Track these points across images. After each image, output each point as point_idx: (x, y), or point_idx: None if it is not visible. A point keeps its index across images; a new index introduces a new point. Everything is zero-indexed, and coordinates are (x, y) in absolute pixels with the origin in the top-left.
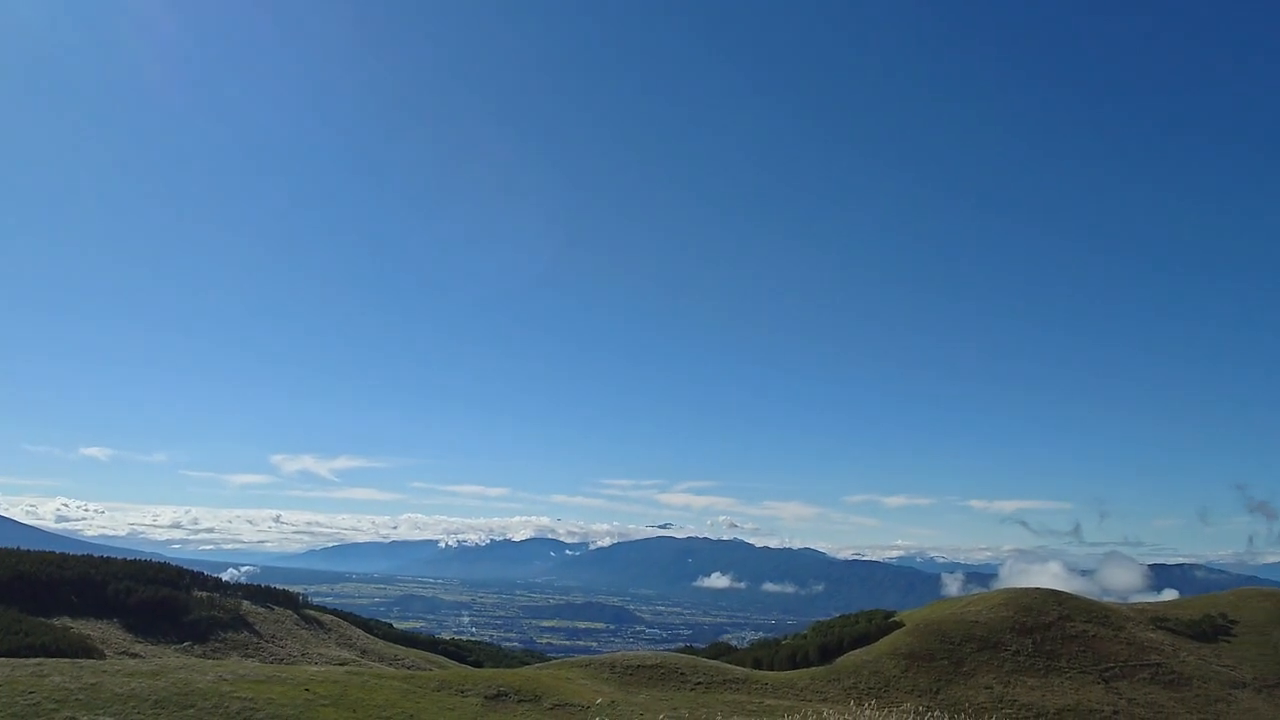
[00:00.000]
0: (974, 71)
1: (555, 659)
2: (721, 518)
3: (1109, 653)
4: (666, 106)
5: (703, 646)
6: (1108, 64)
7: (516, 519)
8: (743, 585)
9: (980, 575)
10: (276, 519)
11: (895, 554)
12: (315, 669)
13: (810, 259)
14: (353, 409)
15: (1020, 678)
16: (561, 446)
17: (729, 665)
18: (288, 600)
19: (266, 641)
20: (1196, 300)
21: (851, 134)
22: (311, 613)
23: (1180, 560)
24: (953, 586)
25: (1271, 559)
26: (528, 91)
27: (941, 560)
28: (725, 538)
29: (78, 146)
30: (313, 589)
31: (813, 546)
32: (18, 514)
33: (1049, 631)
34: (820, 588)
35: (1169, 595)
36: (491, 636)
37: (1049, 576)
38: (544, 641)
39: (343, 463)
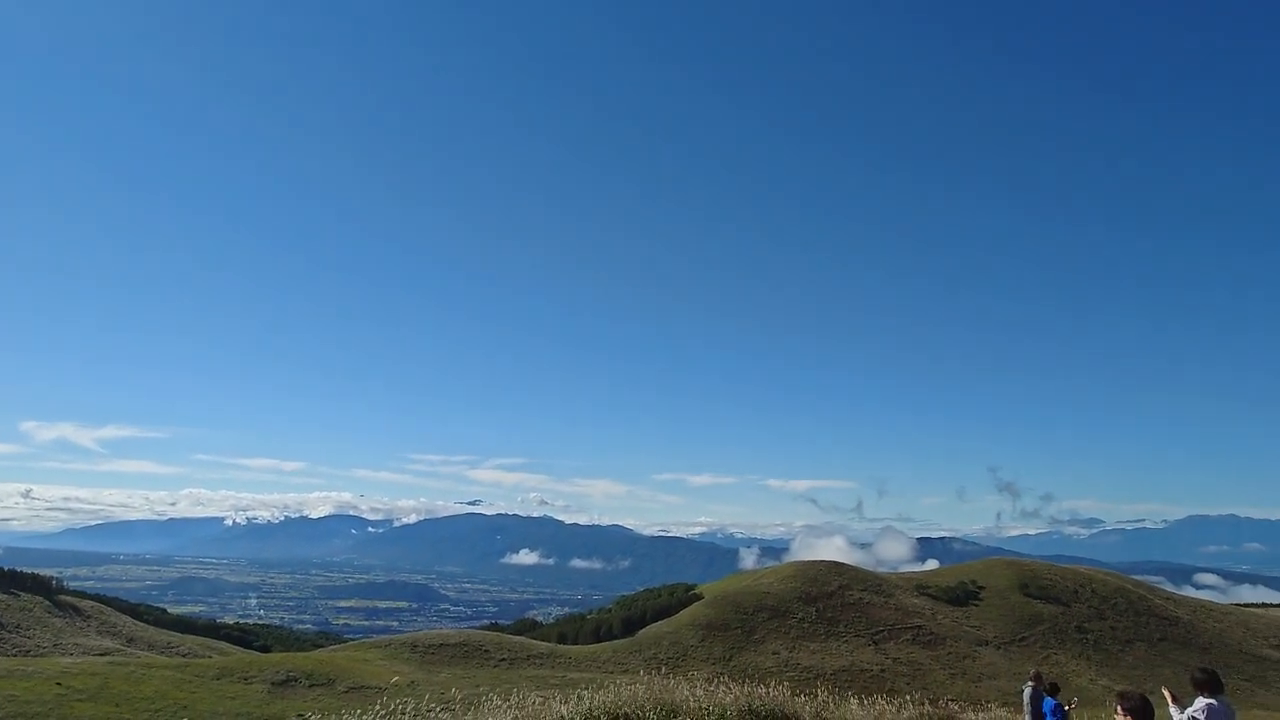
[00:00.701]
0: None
1: (352, 640)
2: (532, 494)
3: (880, 618)
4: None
5: (508, 623)
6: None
7: (315, 495)
8: (551, 562)
9: (774, 549)
10: (26, 494)
11: (698, 530)
12: (70, 660)
13: (617, 239)
14: (123, 371)
15: (804, 643)
16: (366, 419)
17: (534, 641)
18: (37, 585)
19: (9, 633)
20: (957, 310)
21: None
22: (67, 599)
23: (942, 534)
24: (749, 560)
25: (1014, 532)
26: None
27: (740, 536)
28: (535, 514)
29: None
30: (70, 572)
31: (621, 523)
32: None
33: (830, 600)
34: (626, 563)
35: (931, 565)
36: (282, 619)
37: (834, 550)
38: (340, 623)
39: (110, 432)
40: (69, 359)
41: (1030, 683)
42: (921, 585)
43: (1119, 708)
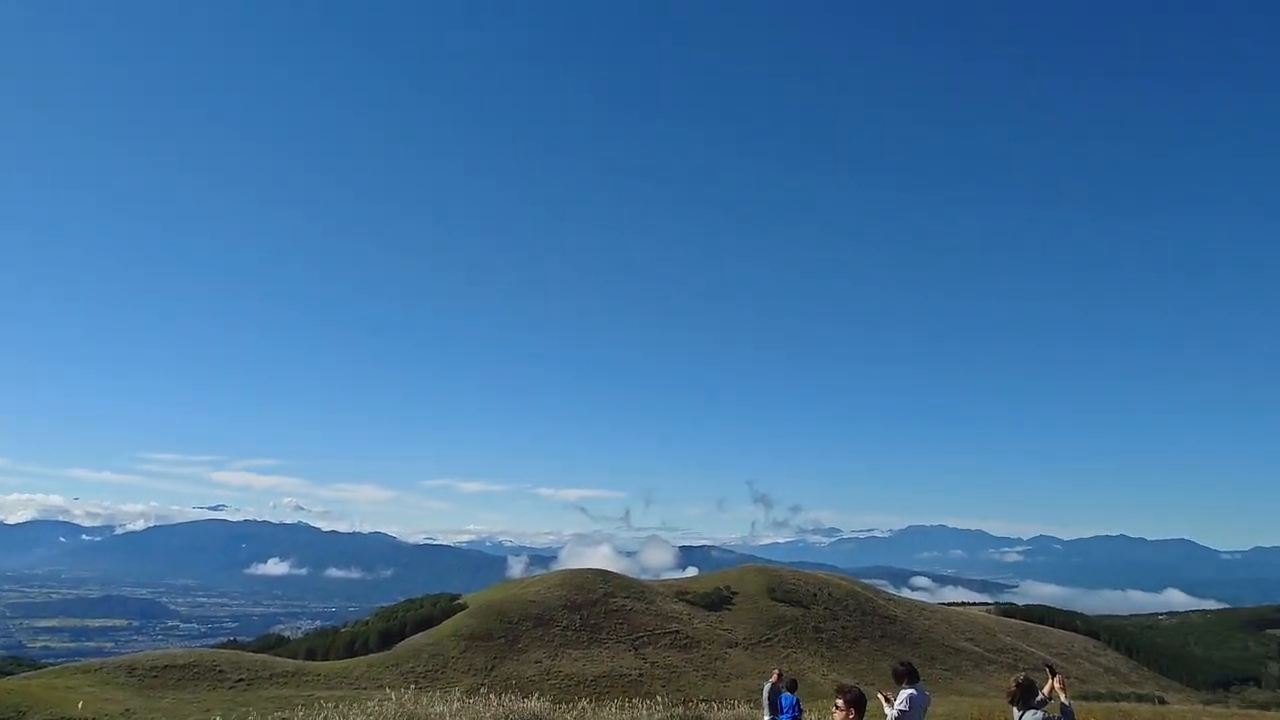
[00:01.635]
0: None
1: (53, 665)
2: (287, 499)
3: (640, 623)
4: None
5: (249, 640)
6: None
7: (13, 496)
8: (304, 571)
9: (543, 558)
10: None
11: (466, 538)
12: None
13: (377, 217)
14: None
15: (567, 650)
16: (85, 411)
17: (278, 658)
18: None
19: None
20: (718, 323)
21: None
22: None
23: (702, 542)
24: (517, 569)
25: (766, 540)
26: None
27: (509, 544)
28: (289, 521)
29: None
30: None
31: (384, 530)
32: None
33: (595, 607)
34: (389, 573)
35: (691, 572)
36: None
37: (601, 558)
38: (39, 645)
39: None
40: None
41: (770, 680)
42: (681, 591)
43: (839, 700)
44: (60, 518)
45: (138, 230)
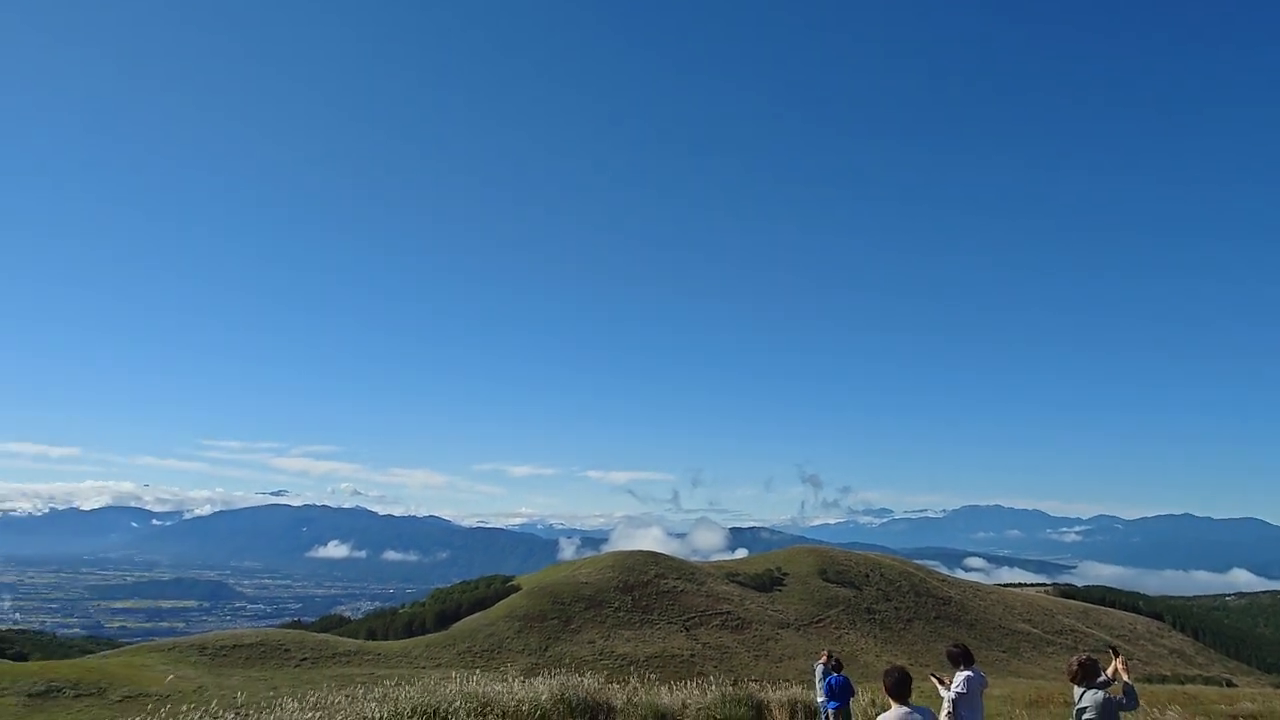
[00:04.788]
0: None
1: (129, 645)
2: (344, 484)
3: (691, 604)
4: None
5: (312, 621)
6: None
7: (88, 484)
8: (363, 554)
9: (594, 540)
10: None
11: (518, 521)
12: None
13: (435, 219)
14: None
15: (620, 631)
16: (154, 401)
17: (340, 638)
18: None
19: None
20: (772, 309)
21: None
22: None
23: (752, 524)
24: (569, 551)
25: (816, 521)
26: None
27: (560, 527)
28: (347, 505)
29: None
30: None
31: (438, 514)
32: None
33: (646, 589)
34: (444, 555)
35: (741, 554)
36: (43, 623)
37: (651, 540)
38: (116, 625)
39: None
40: None
41: (821, 660)
42: (731, 573)
43: (886, 684)
44: (132, 504)
45: (197, 227)
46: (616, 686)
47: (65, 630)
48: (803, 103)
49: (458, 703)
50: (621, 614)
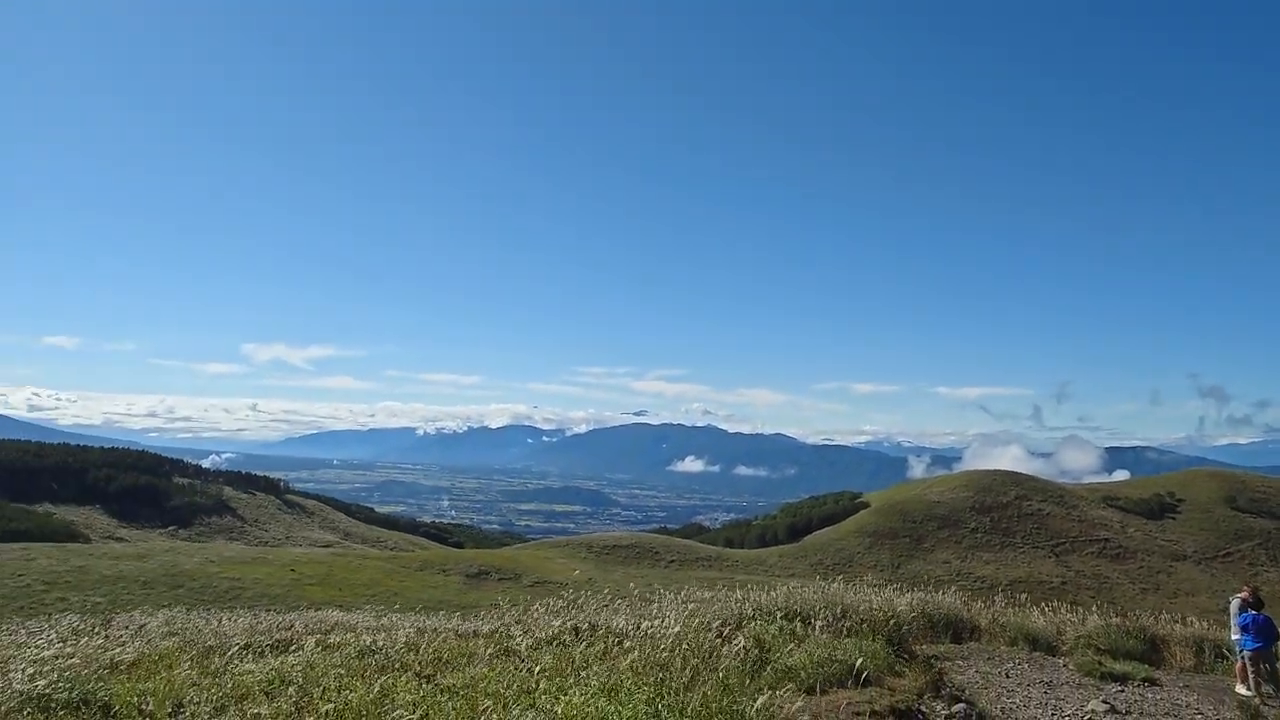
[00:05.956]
0: None
1: (534, 540)
2: (695, 405)
3: (1061, 529)
4: None
5: (676, 528)
6: None
7: (493, 407)
8: (716, 469)
9: (945, 458)
10: (253, 407)
11: (863, 439)
12: (300, 551)
13: (781, 150)
14: (322, 297)
15: (977, 553)
16: (536, 334)
17: (701, 544)
18: (269, 486)
19: (250, 526)
20: (1152, 199)
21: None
22: (294, 498)
23: (1135, 443)
24: (918, 469)
25: (1221, 441)
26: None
27: (908, 445)
28: (699, 424)
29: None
30: (293, 475)
31: (784, 432)
32: None
33: (1006, 510)
34: (791, 471)
35: (1121, 476)
36: (471, 520)
37: (1009, 459)
38: (522, 524)
39: (315, 351)
40: (279, 287)
41: (1240, 595)
42: (1110, 497)
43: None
44: (526, 423)
45: (566, 191)
46: (981, 605)
47: (487, 526)
48: None
49: (818, 606)
50: (979, 535)
